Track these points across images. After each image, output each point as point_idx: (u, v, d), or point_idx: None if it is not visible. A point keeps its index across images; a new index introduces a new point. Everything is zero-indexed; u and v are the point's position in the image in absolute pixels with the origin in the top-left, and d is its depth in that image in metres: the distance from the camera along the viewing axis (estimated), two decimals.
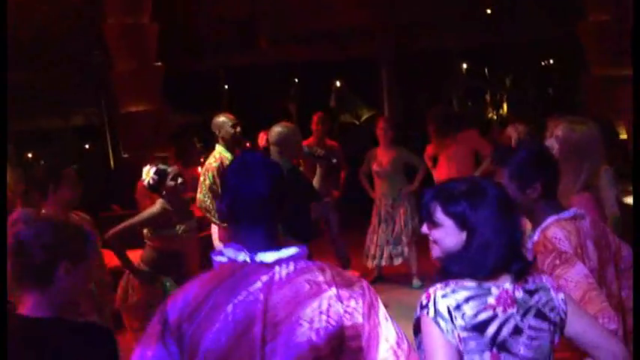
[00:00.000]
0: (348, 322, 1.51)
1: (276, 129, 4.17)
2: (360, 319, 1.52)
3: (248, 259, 1.57)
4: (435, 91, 16.38)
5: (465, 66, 18.07)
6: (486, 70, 18.33)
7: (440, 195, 1.80)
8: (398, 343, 1.55)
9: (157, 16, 8.45)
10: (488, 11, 10.64)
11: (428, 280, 6.01)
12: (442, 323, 1.65)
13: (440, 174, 5.78)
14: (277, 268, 1.56)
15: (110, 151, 11.15)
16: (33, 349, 1.74)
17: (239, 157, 1.75)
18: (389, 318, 1.59)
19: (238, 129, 4.86)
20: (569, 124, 2.87)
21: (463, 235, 1.75)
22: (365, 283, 1.61)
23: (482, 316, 1.67)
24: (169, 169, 4.04)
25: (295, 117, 19.22)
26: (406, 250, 6.01)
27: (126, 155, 8.14)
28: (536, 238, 2.15)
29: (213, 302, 1.52)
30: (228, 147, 4.84)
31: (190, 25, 11.69)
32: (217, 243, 4.89)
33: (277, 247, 1.59)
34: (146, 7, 8.15)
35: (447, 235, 1.78)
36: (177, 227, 3.98)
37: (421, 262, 6.10)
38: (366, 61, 13.76)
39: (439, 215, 1.78)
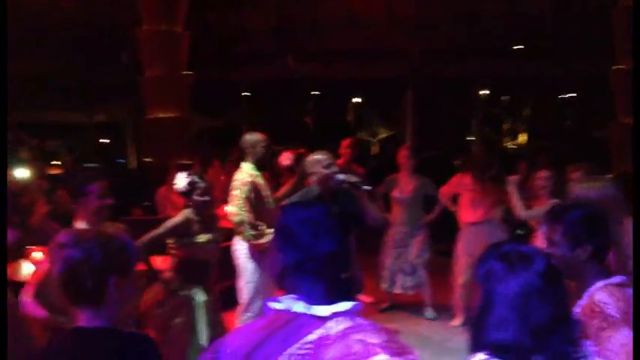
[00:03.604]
0: None
1: (315, 157, 4.21)
2: None
3: (304, 311, 1.59)
4: (455, 115, 16.45)
5: (485, 93, 18.14)
6: (505, 98, 18.39)
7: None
8: None
9: (189, 25, 8.55)
10: (521, 46, 10.67)
11: (441, 312, 6.03)
12: None
13: (466, 216, 5.81)
14: (331, 322, 1.56)
15: (133, 153, 11.23)
16: (90, 358, 1.79)
17: (300, 211, 1.70)
18: None
19: (270, 150, 4.92)
20: (585, 184, 2.89)
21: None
22: (416, 357, 1.56)
23: None
24: (202, 184, 4.11)
25: (312, 129, 19.32)
26: (421, 280, 6.02)
27: (148, 159, 8.20)
28: (584, 301, 2.12)
29: (265, 351, 1.54)
30: (257, 165, 4.91)
31: (219, 36, 11.81)
32: (243, 257, 4.91)
33: (334, 301, 1.60)
34: (180, 15, 8.24)
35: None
36: (200, 236, 4.04)
37: (435, 292, 6.11)
38: (389, 81, 13.84)
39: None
